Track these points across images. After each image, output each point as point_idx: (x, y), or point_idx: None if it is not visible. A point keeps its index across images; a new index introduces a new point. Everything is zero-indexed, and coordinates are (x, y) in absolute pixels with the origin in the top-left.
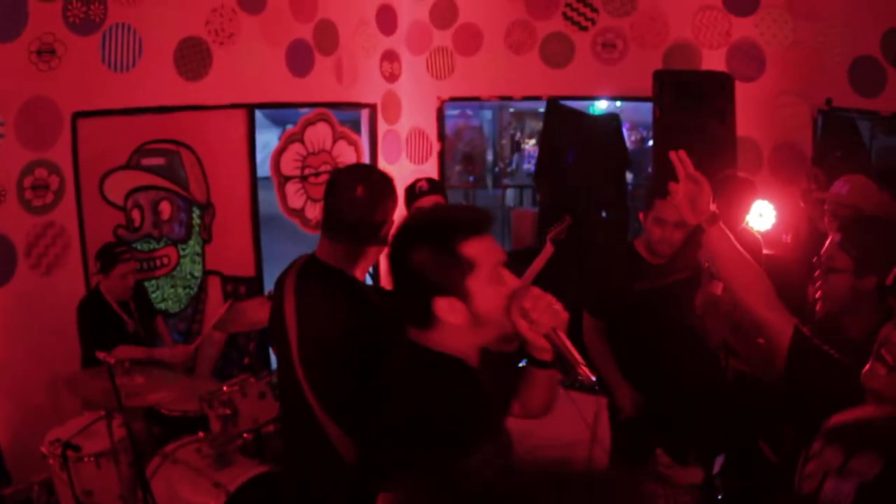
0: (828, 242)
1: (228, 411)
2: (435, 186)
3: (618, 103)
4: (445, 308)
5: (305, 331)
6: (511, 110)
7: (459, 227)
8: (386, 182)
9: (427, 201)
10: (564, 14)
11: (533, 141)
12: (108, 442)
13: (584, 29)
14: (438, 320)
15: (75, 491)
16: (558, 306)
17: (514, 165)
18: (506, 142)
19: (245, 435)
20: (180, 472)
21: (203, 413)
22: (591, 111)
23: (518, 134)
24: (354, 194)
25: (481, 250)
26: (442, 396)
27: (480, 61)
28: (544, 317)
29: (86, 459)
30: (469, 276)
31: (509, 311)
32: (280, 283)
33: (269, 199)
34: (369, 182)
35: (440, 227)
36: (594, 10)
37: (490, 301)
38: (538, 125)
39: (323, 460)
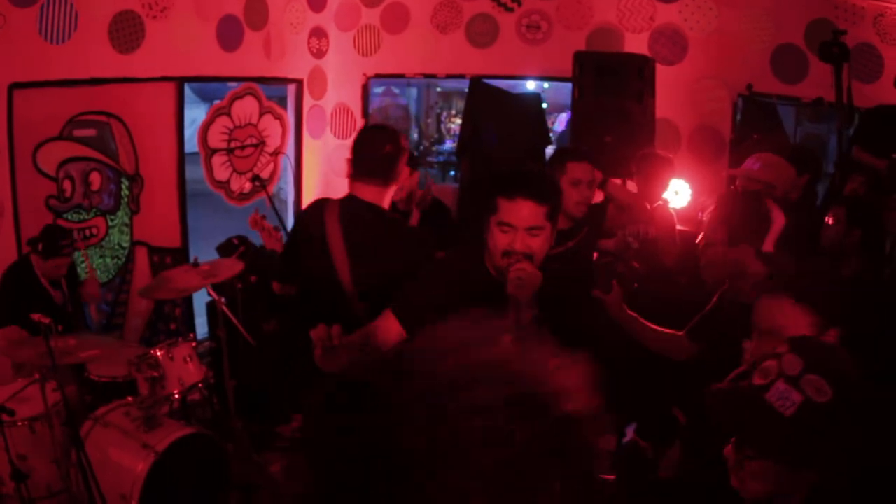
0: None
1: (156, 374)
2: None
3: (545, 85)
4: None
5: (359, 256)
6: (438, 89)
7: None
8: (402, 139)
9: None
10: None
11: (459, 120)
12: (41, 406)
13: (510, 10)
14: None
15: (10, 455)
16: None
17: (442, 145)
18: (431, 120)
19: (173, 397)
20: (111, 435)
21: (132, 378)
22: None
23: (444, 113)
24: (385, 149)
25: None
26: None
27: (407, 39)
28: None
29: (19, 424)
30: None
31: None
32: (313, 219)
33: (193, 176)
34: (395, 141)
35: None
36: None
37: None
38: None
39: None
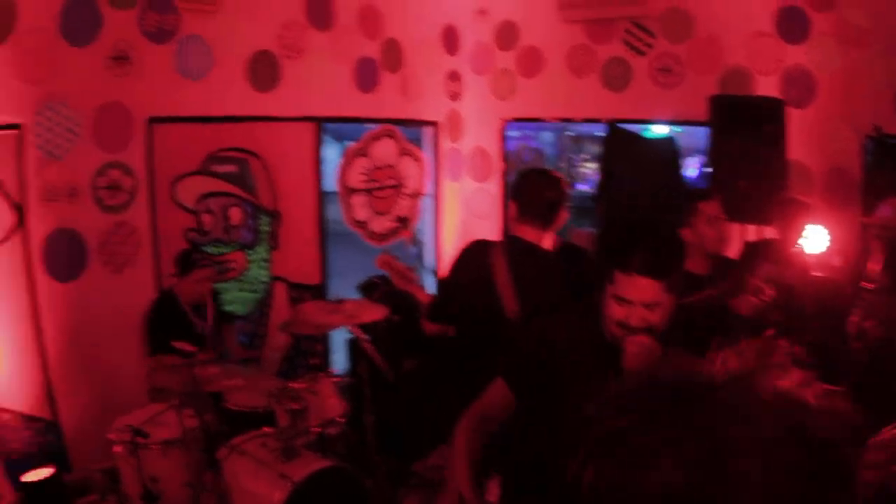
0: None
1: (297, 406)
2: None
3: (672, 129)
4: None
5: (525, 292)
6: (569, 133)
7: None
8: (563, 185)
9: None
10: (623, 39)
11: (591, 165)
12: (175, 431)
13: (642, 53)
14: None
15: (143, 477)
16: None
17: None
18: (564, 164)
19: (312, 430)
20: (246, 464)
21: (269, 409)
22: (645, 135)
23: (576, 157)
24: (547, 195)
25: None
26: None
27: (542, 83)
28: None
29: (153, 447)
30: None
31: None
32: (477, 259)
33: (329, 215)
34: (557, 187)
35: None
36: (651, 34)
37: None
38: (596, 149)
39: None
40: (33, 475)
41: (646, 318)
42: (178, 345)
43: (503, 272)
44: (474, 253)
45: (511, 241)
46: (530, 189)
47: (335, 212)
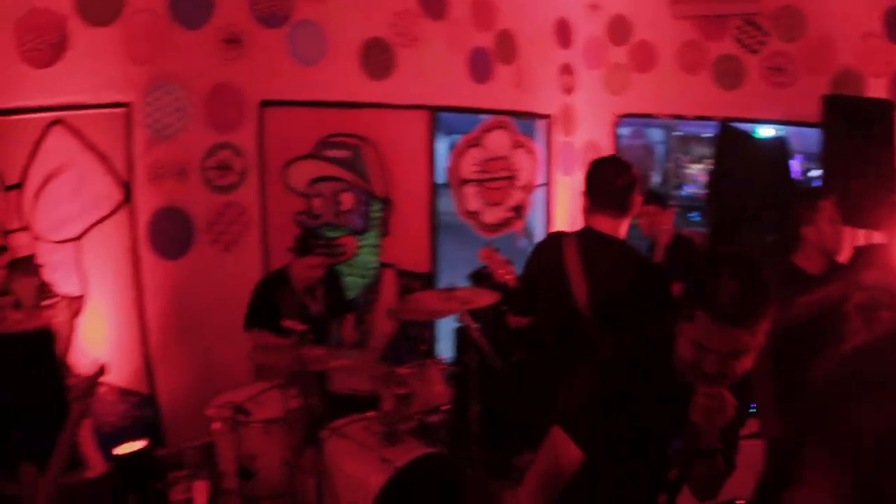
0: None
1: (403, 391)
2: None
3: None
4: None
5: (597, 283)
6: (676, 134)
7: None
8: (633, 170)
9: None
10: (735, 36)
11: (697, 166)
12: (278, 410)
13: (755, 52)
14: None
15: (240, 453)
16: None
17: (680, 191)
18: (671, 165)
19: (416, 416)
20: (347, 446)
21: (374, 394)
22: (755, 134)
23: (682, 158)
24: (619, 182)
25: None
26: None
27: (655, 79)
28: None
29: (254, 425)
30: None
31: None
32: (551, 251)
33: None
34: (628, 172)
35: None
36: (764, 32)
37: None
38: (702, 150)
39: None
40: (126, 448)
41: (725, 366)
42: (289, 323)
43: (575, 264)
44: (549, 245)
45: (584, 232)
46: (600, 177)
47: (444, 204)
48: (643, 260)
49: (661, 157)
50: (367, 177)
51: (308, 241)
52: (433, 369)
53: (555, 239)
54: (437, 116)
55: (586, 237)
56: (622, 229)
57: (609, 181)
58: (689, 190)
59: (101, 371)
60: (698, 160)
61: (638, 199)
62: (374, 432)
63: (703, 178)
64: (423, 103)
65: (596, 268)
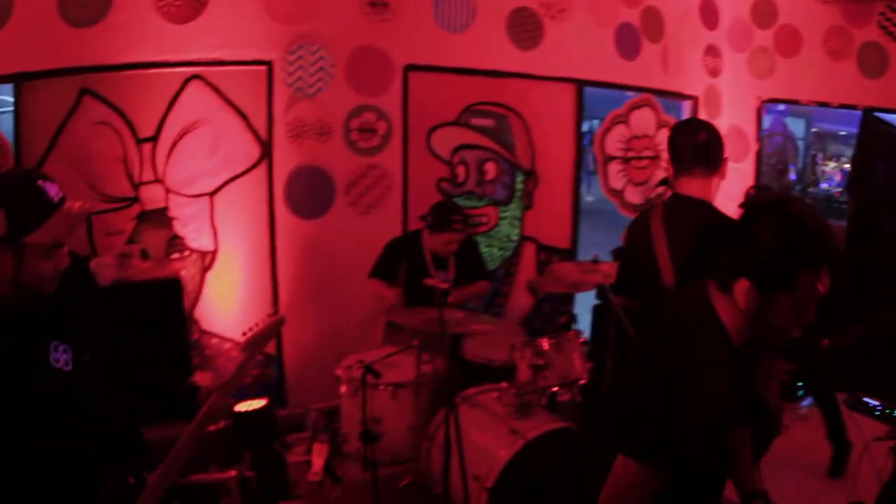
0: None
1: (541, 362)
2: None
3: None
4: None
5: (679, 252)
6: (813, 130)
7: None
8: (715, 128)
9: None
10: (879, 23)
11: (833, 164)
12: (409, 374)
13: None
14: None
15: (366, 416)
16: None
17: (816, 188)
18: (808, 161)
19: (552, 389)
20: (478, 416)
21: (507, 364)
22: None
23: (819, 155)
24: (701, 137)
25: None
26: None
27: (799, 64)
28: None
29: (382, 387)
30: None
31: None
32: (640, 224)
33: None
34: (709, 128)
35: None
36: None
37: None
38: (839, 149)
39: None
40: (246, 405)
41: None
42: (431, 282)
43: (659, 234)
44: (639, 219)
45: (670, 199)
46: (683, 135)
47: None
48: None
49: (801, 152)
50: (512, 148)
51: (447, 216)
52: (572, 342)
53: (644, 212)
54: (583, 91)
55: (672, 203)
56: (711, 189)
57: (693, 137)
58: (824, 187)
59: (282, 321)
60: (835, 158)
61: (724, 156)
62: (507, 403)
63: (839, 177)
64: (570, 76)
65: (679, 235)
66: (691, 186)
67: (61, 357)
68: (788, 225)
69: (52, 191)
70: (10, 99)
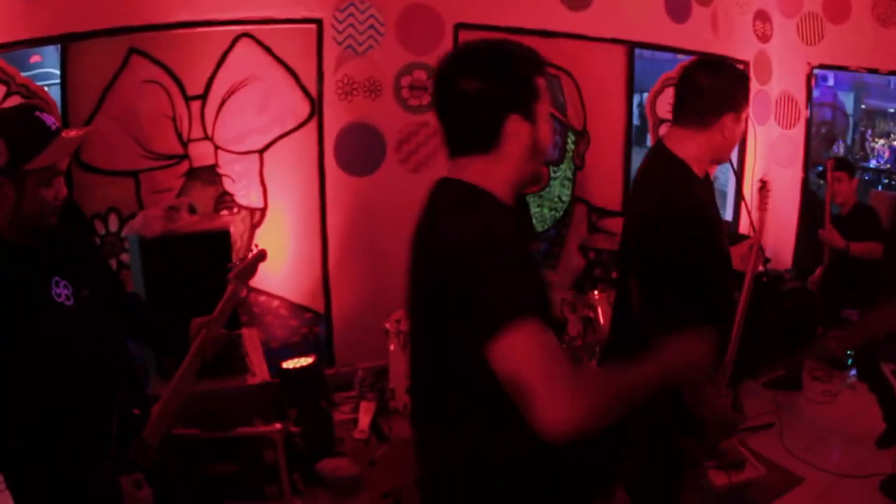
0: None
1: (591, 314)
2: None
3: None
4: (514, 128)
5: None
6: (863, 107)
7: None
8: (729, 69)
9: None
10: None
11: (882, 141)
12: None
13: None
14: (501, 142)
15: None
16: None
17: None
18: (857, 137)
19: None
20: None
21: (560, 319)
22: None
23: (869, 131)
24: (703, 81)
25: (545, 86)
26: None
27: (849, 30)
28: None
29: None
30: (538, 102)
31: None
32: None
33: None
34: (724, 73)
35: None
36: None
37: (547, 132)
38: (889, 126)
39: None
40: (293, 363)
41: None
42: None
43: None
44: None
45: (650, 151)
46: (685, 75)
47: None
48: (668, 193)
49: (850, 127)
50: (563, 108)
51: None
52: None
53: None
54: (633, 53)
55: (647, 158)
56: (693, 147)
57: (694, 79)
58: (873, 164)
59: (262, 255)
60: (885, 135)
61: (728, 117)
62: None
63: (888, 154)
64: (620, 37)
65: (634, 198)
66: (671, 137)
67: (62, 292)
68: None
69: (49, 120)
70: (57, 72)
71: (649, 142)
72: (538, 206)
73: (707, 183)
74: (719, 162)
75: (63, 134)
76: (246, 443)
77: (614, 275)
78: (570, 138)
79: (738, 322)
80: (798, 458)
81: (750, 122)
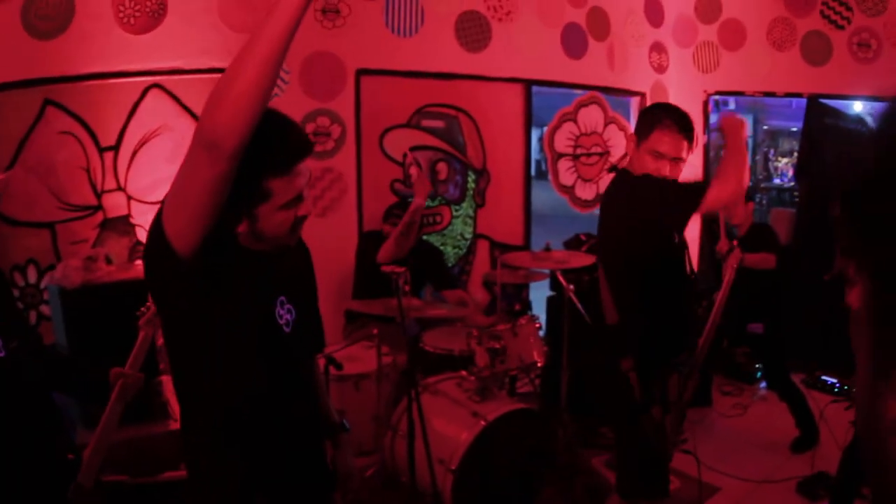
0: None
1: (497, 346)
2: None
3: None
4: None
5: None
6: (765, 127)
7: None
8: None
9: None
10: (822, 12)
11: (785, 160)
12: (371, 365)
13: (841, 28)
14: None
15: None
16: None
17: (769, 182)
18: (759, 157)
19: (510, 372)
20: (439, 403)
21: (467, 353)
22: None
23: (771, 151)
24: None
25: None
26: None
27: (744, 57)
28: None
29: (345, 379)
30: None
31: None
32: None
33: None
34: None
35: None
36: (849, 8)
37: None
38: (791, 144)
39: None
40: None
41: None
42: (388, 268)
43: None
44: None
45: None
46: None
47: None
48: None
49: (749, 149)
50: (463, 148)
51: (391, 210)
52: (528, 326)
53: None
54: (531, 90)
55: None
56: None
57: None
58: (777, 182)
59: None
60: (787, 154)
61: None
62: (466, 389)
63: (791, 172)
64: (518, 76)
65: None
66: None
67: None
68: None
69: None
70: None
71: (550, 177)
72: (442, 244)
73: None
74: None
75: None
76: (173, 487)
77: (517, 306)
78: (471, 177)
79: (713, 316)
80: (714, 470)
81: None
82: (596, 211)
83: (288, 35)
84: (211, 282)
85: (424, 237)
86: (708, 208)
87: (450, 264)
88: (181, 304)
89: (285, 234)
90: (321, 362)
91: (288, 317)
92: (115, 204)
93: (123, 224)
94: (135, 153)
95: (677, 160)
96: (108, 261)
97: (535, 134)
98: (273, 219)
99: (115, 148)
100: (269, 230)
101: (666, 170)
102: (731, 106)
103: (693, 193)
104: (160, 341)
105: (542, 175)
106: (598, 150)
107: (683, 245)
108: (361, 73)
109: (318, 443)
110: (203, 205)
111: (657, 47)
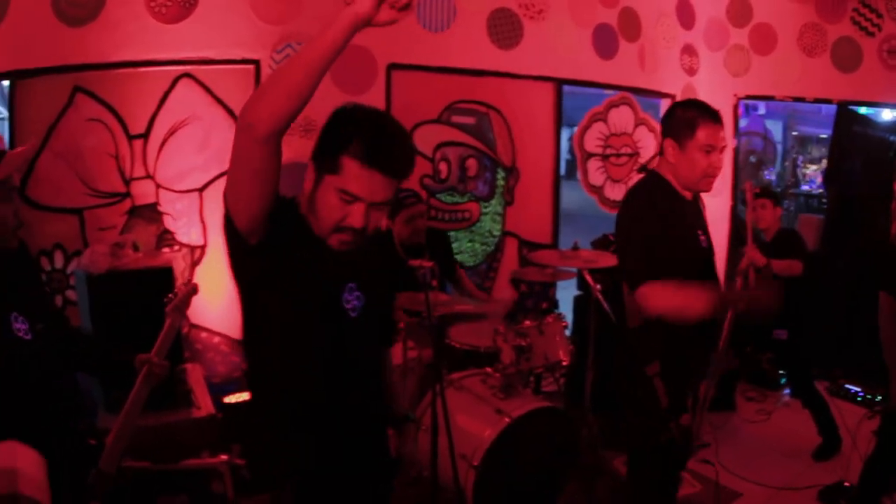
0: None
1: (523, 343)
2: None
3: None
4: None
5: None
6: (794, 133)
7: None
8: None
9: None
10: (852, 19)
11: (814, 167)
12: (394, 360)
13: (871, 35)
14: None
15: None
16: None
17: (797, 188)
18: (788, 164)
19: (535, 370)
20: (464, 399)
21: (492, 349)
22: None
23: (800, 158)
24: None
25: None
26: None
27: (775, 61)
28: None
29: None
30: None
31: None
32: None
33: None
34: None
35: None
36: (879, 15)
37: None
38: (820, 151)
39: None
40: (235, 398)
41: None
42: (416, 262)
43: None
44: None
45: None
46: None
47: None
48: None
49: (779, 155)
50: (493, 145)
51: (398, 200)
52: (554, 325)
53: None
54: (561, 89)
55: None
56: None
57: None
58: (805, 189)
59: (195, 289)
60: (816, 161)
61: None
62: (491, 385)
63: (820, 179)
64: (549, 75)
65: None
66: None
67: (21, 326)
68: None
69: None
70: (4, 110)
71: (579, 176)
72: (470, 241)
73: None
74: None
75: (8, 154)
76: (194, 474)
77: (544, 305)
78: (500, 174)
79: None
80: (735, 475)
81: None
82: None
83: (336, 50)
84: (277, 260)
85: (450, 232)
86: (640, 296)
87: (478, 261)
88: (249, 279)
89: (329, 221)
90: None
91: (356, 303)
92: (143, 192)
93: (151, 212)
94: (164, 142)
95: (723, 148)
96: (136, 248)
97: (564, 133)
98: (328, 196)
99: (145, 136)
100: (320, 205)
101: (719, 161)
102: (762, 110)
103: (642, 268)
104: (185, 329)
105: (571, 174)
106: (628, 150)
107: (710, 249)
108: (392, 67)
109: (378, 431)
110: (249, 183)
111: (688, 49)
